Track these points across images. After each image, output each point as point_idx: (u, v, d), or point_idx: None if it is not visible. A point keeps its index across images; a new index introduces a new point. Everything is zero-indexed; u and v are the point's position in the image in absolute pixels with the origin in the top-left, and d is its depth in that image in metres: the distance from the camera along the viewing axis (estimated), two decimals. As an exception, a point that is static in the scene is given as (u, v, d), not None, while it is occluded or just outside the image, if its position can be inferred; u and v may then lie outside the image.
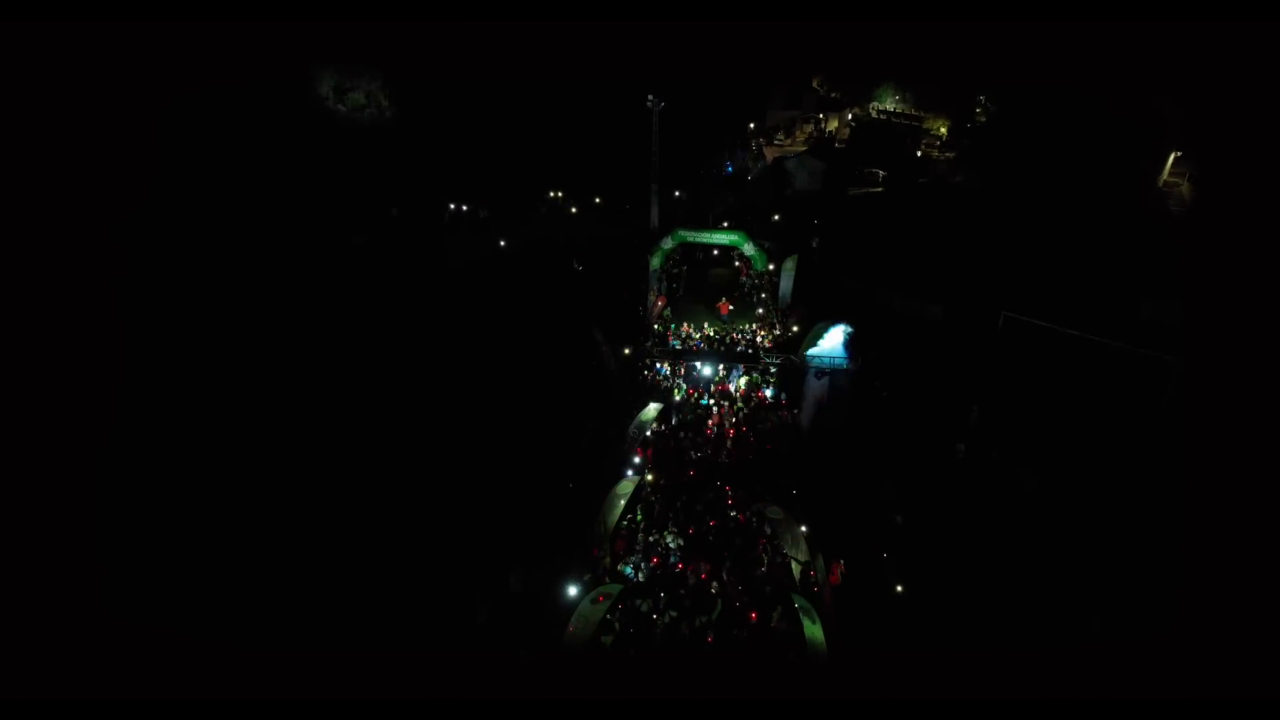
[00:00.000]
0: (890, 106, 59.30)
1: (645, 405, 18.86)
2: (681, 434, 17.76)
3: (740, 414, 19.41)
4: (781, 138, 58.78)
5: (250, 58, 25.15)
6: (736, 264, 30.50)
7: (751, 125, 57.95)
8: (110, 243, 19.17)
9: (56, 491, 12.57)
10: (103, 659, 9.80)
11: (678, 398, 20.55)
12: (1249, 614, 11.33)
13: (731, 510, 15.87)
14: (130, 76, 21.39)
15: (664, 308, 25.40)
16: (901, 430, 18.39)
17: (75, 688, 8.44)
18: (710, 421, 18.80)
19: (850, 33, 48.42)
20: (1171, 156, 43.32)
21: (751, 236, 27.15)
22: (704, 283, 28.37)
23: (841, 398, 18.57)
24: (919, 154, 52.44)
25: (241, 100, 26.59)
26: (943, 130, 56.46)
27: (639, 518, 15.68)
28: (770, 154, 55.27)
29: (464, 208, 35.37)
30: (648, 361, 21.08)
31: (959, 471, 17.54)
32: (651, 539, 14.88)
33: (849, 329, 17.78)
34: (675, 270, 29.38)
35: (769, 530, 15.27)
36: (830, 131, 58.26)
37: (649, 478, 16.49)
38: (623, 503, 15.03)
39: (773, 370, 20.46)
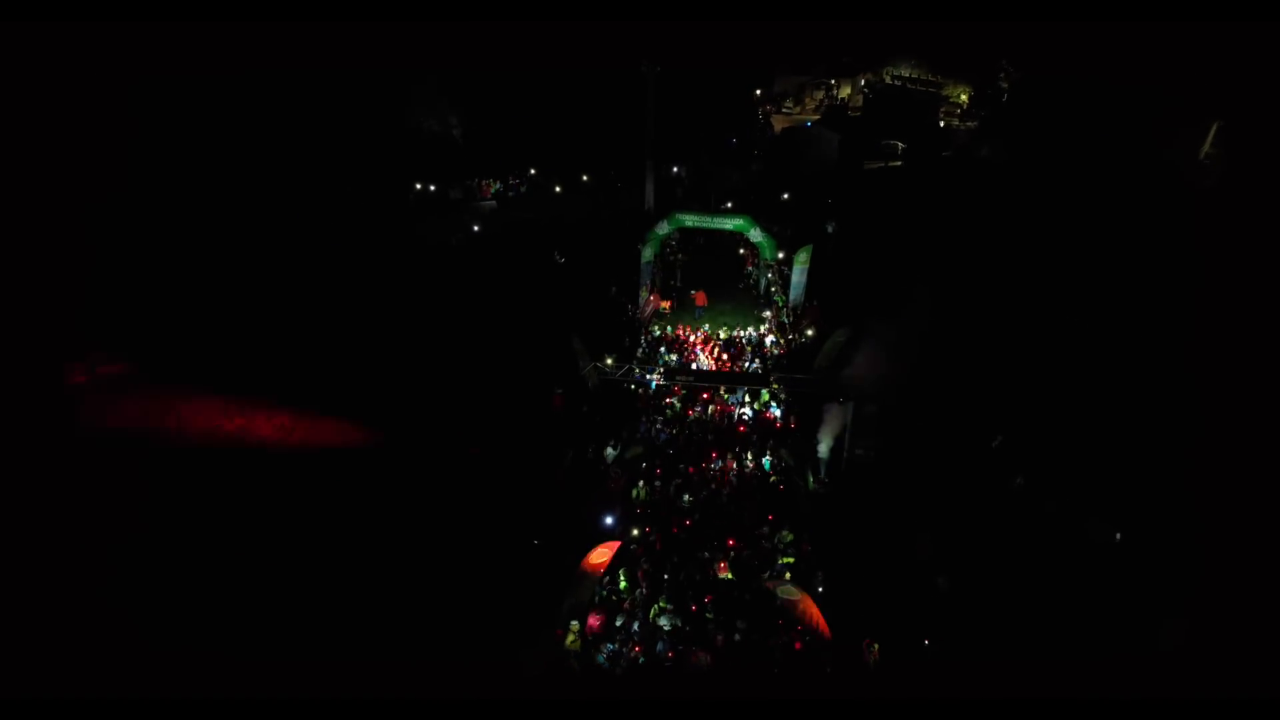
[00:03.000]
0: (906, 72, 54.96)
1: (629, 436, 15.81)
2: (673, 482, 14.58)
3: (745, 443, 16.29)
4: (790, 105, 54.74)
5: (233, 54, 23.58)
6: (741, 251, 27.15)
7: (758, 92, 53.65)
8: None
9: (52, 488, 11.56)
10: (102, 658, 9.10)
11: (670, 416, 17.47)
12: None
13: (732, 575, 12.84)
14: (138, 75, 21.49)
15: (658, 306, 22.12)
16: (943, 462, 15.04)
17: (75, 688, 7.99)
18: (712, 455, 15.64)
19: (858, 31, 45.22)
20: (1214, 126, 39.75)
21: (759, 220, 23.72)
22: (705, 276, 25.04)
23: (869, 425, 15.37)
24: (940, 124, 48.34)
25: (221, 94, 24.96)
26: (964, 98, 52.32)
27: (622, 586, 12.65)
28: (779, 124, 51.38)
29: (432, 187, 31.60)
30: (636, 376, 17.87)
31: (1016, 514, 14.18)
32: (636, 619, 11.86)
33: None
34: (672, 260, 26.03)
35: (779, 603, 12.31)
36: (843, 99, 54.11)
37: (635, 532, 13.44)
38: (598, 574, 12.01)
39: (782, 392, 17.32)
